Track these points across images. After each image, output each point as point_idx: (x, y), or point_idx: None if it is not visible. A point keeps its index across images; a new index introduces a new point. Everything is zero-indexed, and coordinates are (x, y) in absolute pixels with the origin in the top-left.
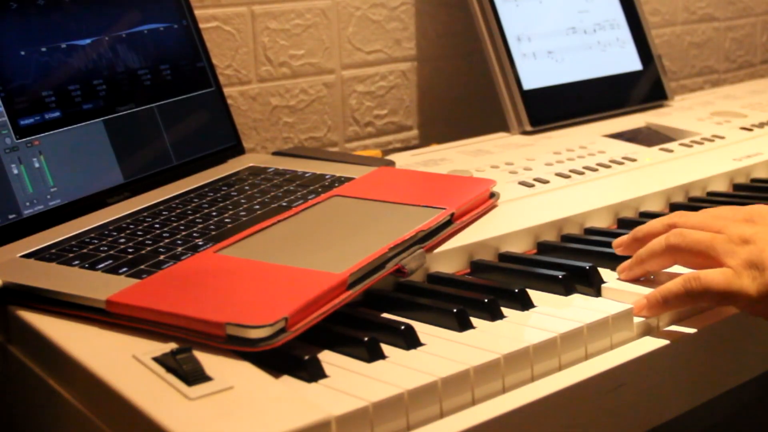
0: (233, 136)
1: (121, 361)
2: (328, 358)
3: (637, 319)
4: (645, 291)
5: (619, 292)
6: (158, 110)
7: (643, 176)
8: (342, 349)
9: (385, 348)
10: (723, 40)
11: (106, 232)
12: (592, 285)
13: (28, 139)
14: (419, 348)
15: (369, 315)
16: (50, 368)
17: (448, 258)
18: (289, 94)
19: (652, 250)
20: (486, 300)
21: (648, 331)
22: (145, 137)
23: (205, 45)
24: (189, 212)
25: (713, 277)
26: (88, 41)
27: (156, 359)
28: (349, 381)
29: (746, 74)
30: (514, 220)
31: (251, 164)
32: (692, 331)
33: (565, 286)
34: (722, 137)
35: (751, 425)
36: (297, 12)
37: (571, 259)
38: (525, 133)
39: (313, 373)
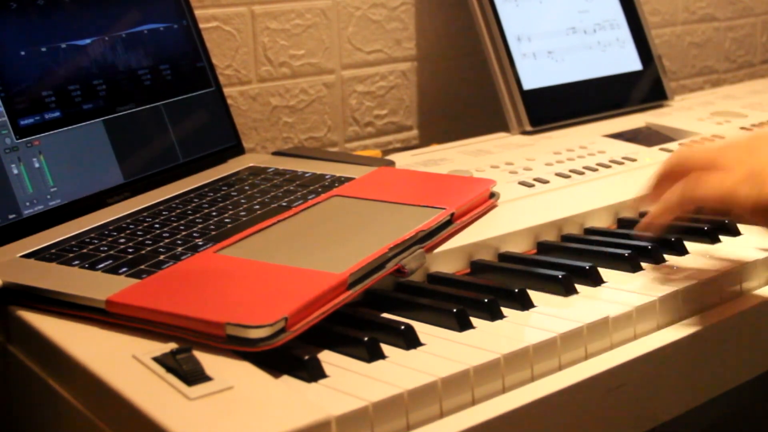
0: (233, 136)
1: (121, 361)
2: (328, 358)
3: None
4: (647, 292)
5: (619, 292)
6: (158, 110)
7: (643, 176)
8: (342, 349)
9: (385, 348)
10: (723, 40)
11: (106, 232)
12: (592, 285)
13: (28, 139)
14: (419, 348)
15: (369, 315)
16: (50, 368)
17: (448, 258)
18: (289, 94)
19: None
20: (486, 300)
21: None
22: (145, 137)
23: (205, 45)
24: (189, 212)
25: (711, 178)
26: (88, 41)
27: (156, 359)
28: (349, 381)
29: (746, 74)
30: (514, 220)
31: (251, 164)
32: (692, 331)
33: (565, 286)
34: (722, 137)
35: (751, 425)
36: (297, 12)
37: (571, 259)
38: (525, 133)
39: (313, 373)
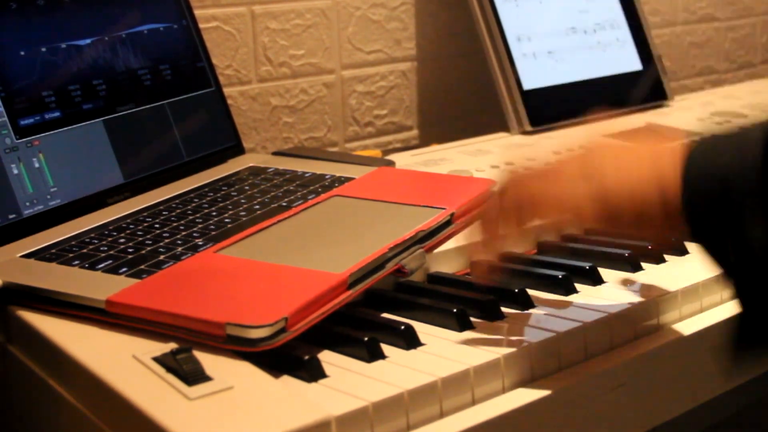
0: (233, 136)
1: (121, 361)
2: (328, 358)
3: None
4: (646, 291)
5: (619, 292)
6: (158, 110)
7: None
8: (342, 349)
9: (385, 348)
10: (723, 40)
11: (106, 232)
12: (592, 285)
13: (28, 139)
14: (419, 348)
15: (369, 315)
16: (50, 368)
17: (448, 258)
18: (289, 94)
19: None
20: (486, 300)
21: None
22: (145, 137)
23: (205, 45)
24: (189, 212)
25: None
26: (88, 41)
27: (156, 359)
28: (349, 381)
29: (746, 74)
30: None
31: (251, 164)
32: (692, 331)
33: (565, 286)
34: None
35: (751, 425)
36: (297, 12)
37: (571, 259)
38: (525, 133)
39: (313, 373)
